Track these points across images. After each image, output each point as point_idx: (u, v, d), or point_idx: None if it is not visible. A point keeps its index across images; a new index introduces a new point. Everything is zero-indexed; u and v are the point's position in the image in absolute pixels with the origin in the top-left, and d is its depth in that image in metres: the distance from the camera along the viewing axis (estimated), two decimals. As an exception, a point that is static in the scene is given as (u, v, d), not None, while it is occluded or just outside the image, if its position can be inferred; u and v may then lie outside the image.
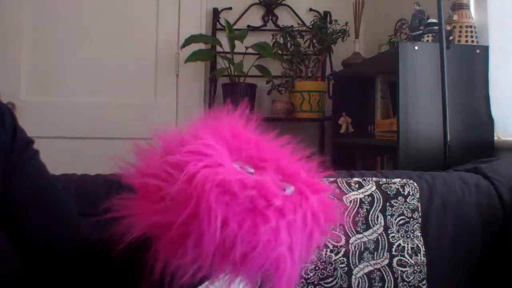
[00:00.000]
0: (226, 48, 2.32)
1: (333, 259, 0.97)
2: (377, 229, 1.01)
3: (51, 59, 2.38)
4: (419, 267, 1.00)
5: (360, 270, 0.97)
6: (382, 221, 1.02)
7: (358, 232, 1.00)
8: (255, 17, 2.56)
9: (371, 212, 1.02)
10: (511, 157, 1.37)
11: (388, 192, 1.04)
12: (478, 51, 1.51)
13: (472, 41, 1.54)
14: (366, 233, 1.00)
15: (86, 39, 2.41)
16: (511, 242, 1.05)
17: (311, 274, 0.95)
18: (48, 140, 2.09)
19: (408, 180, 1.08)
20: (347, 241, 0.98)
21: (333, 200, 0.58)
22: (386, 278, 0.98)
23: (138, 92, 2.43)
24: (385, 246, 1.00)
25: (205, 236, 0.45)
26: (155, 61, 2.45)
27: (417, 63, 1.47)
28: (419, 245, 1.02)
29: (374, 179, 1.06)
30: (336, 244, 0.97)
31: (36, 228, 0.59)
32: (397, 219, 1.03)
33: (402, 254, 1.00)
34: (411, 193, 1.05)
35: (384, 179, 1.07)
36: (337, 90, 2.26)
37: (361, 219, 1.01)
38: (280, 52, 2.37)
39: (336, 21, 2.37)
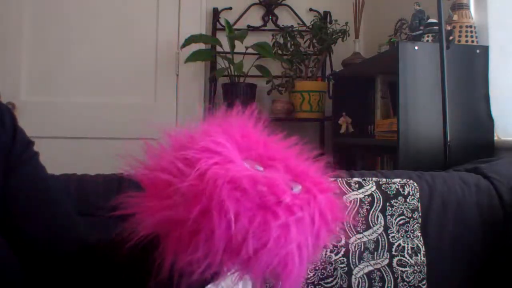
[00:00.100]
0: (226, 48, 2.32)
1: (333, 259, 0.97)
2: (377, 229, 1.01)
3: (51, 59, 2.38)
4: (419, 267, 1.00)
5: (360, 270, 0.97)
6: (382, 221, 1.02)
7: (358, 232, 1.00)
8: (255, 17, 2.56)
9: (371, 212, 1.02)
10: (511, 157, 1.37)
11: (388, 192, 1.04)
12: (478, 51, 1.51)
13: (472, 41, 1.54)
14: (366, 233, 1.00)
15: (86, 39, 2.41)
16: (511, 242, 1.05)
17: (311, 274, 0.95)
18: (48, 140, 2.09)
19: (408, 180, 1.08)
20: (347, 241, 0.98)
21: (340, 199, 0.58)
22: (386, 278, 0.98)
23: (138, 92, 2.43)
24: (385, 246, 1.00)
25: (216, 231, 0.45)
26: (155, 61, 2.45)
27: (417, 63, 1.47)
28: (419, 245, 1.02)
29: (374, 179, 1.06)
30: (336, 244, 0.97)
31: (35, 228, 0.59)
32: (397, 219, 1.03)
33: (402, 254, 1.00)
34: (411, 193, 1.05)
35: (384, 179, 1.07)
36: (337, 90, 2.26)
37: (361, 219, 1.01)
38: (280, 52, 2.37)
39: (336, 21, 2.37)
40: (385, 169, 1.84)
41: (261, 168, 0.54)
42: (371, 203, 1.02)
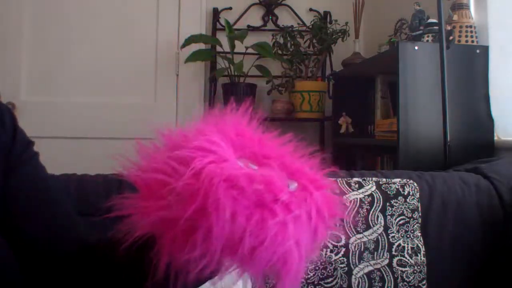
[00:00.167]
0: (226, 48, 2.32)
1: (333, 259, 0.97)
2: (377, 229, 1.01)
3: (51, 59, 2.38)
4: (419, 267, 1.00)
5: (360, 270, 0.97)
6: (382, 221, 1.02)
7: (358, 232, 1.00)
8: (255, 17, 2.56)
9: (371, 212, 1.02)
10: (511, 157, 1.37)
11: (388, 192, 1.04)
12: (478, 51, 1.51)
13: (472, 41, 1.54)
14: (366, 233, 1.00)
15: (86, 39, 2.41)
16: (511, 242, 1.05)
17: (311, 274, 0.95)
18: (48, 140, 2.09)
19: (408, 180, 1.08)
20: (347, 241, 0.98)
21: (336, 196, 0.58)
22: (386, 278, 0.98)
23: (138, 92, 2.43)
24: (385, 246, 1.00)
25: (213, 230, 0.45)
26: (155, 61, 2.45)
27: (417, 63, 1.47)
28: (419, 245, 1.02)
29: (374, 179, 1.06)
30: (336, 244, 0.97)
31: (35, 228, 0.59)
32: (397, 219, 1.03)
33: (402, 254, 1.00)
34: (411, 193, 1.05)
35: (384, 179, 1.07)
36: (337, 90, 2.26)
37: (361, 219, 1.01)
38: (280, 52, 2.37)
39: (336, 21, 2.38)
40: (385, 169, 1.84)
41: (255, 167, 0.54)
42: (371, 203, 1.02)
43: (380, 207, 1.02)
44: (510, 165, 1.23)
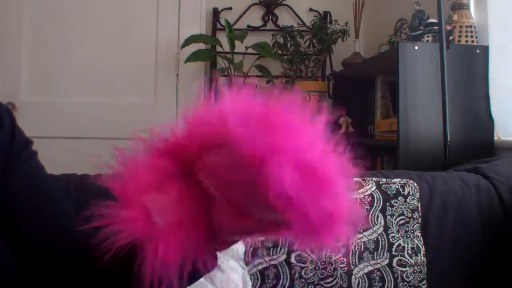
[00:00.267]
0: (226, 48, 2.32)
1: (333, 259, 0.97)
2: (377, 229, 1.01)
3: (51, 59, 2.38)
4: (419, 267, 1.00)
5: (360, 270, 0.97)
6: (382, 221, 1.02)
7: (358, 232, 1.00)
8: (255, 17, 2.55)
9: (371, 212, 1.02)
10: (511, 157, 1.37)
11: (388, 192, 1.04)
12: (478, 51, 1.51)
13: (472, 41, 1.54)
14: (366, 233, 1.00)
15: (86, 39, 2.41)
16: (511, 242, 1.05)
17: (311, 274, 0.95)
18: (48, 140, 2.09)
19: (408, 180, 1.07)
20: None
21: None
22: (386, 278, 0.98)
23: (138, 92, 2.43)
24: (385, 246, 1.00)
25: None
26: (155, 61, 2.45)
27: (417, 63, 1.47)
28: (419, 245, 1.02)
29: (374, 179, 1.06)
30: (336, 243, 0.97)
31: (35, 228, 0.59)
32: (397, 219, 1.02)
33: (402, 254, 1.00)
34: (411, 193, 1.05)
35: (384, 179, 1.07)
36: (337, 90, 2.26)
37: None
38: (280, 52, 2.37)
39: (336, 21, 2.37)
40: (385, 169, 1.84)
41: None
42: (371, 203, 1.02)
43: (380, 207, 1.02)
44: (510, 165, 1.23)
